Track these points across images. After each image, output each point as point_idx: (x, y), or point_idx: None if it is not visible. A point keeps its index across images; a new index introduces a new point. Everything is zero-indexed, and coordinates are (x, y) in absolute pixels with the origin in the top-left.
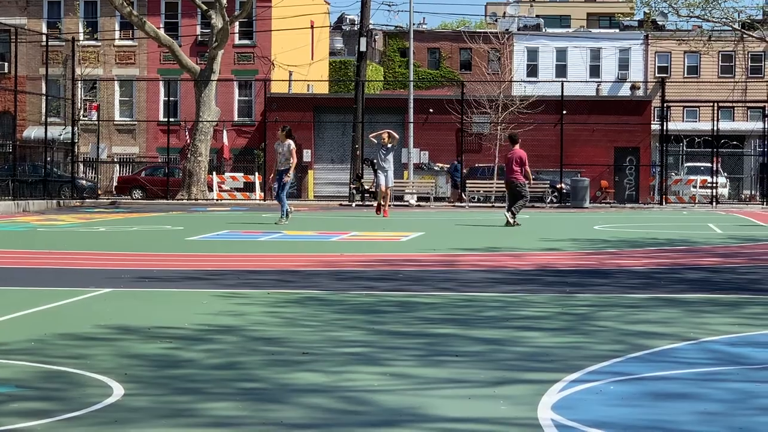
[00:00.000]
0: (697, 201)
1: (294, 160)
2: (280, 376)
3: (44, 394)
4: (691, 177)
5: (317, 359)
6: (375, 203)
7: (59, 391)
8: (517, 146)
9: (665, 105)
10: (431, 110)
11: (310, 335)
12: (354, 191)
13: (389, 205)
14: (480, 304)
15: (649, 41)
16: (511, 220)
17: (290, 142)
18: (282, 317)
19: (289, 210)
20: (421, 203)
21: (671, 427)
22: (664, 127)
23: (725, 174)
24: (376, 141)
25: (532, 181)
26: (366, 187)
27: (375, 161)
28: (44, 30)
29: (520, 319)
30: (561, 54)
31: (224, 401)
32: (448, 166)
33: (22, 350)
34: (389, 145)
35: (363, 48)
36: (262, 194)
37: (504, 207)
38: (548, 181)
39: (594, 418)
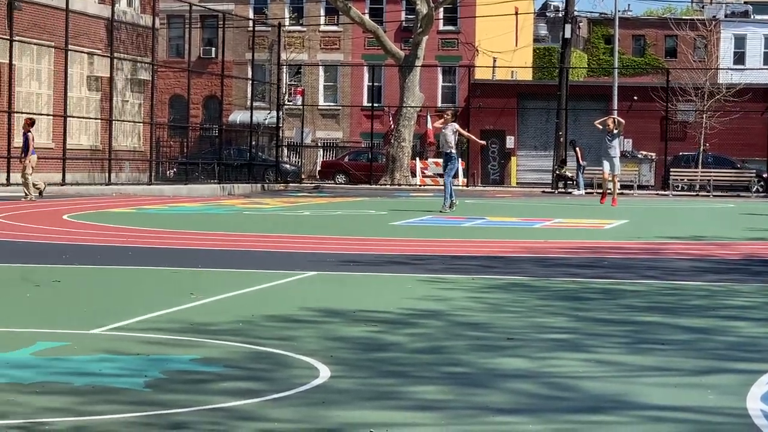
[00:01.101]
0: None
1: (467, 134)
2: (484, 360)
3: (252, 374)
4: None
5: (522, 345)
6: (600, 191)
7: (267, 371)
8: None
9: None
10: (635, 98)
11: (515, 321)
12: (557, 178)
13: (617, 194)
14: (686, 292)
15: None
16: None
17: (455, 123)
18: (486, 303)
19: (454, 200)
20: (624, 191)
21: None
22: None
23: None
24: (601, 127)
25: None
26: (569, 175)
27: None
28: (251, 15)
29: (726, 308)
30: None
31: (429, 385)
32: (653, 154)
33: (230, 331)
34: (615, 131)
35: (568, 35)
36: (465, 180)
37: (708, 195)
38: (754, 170)
39: None
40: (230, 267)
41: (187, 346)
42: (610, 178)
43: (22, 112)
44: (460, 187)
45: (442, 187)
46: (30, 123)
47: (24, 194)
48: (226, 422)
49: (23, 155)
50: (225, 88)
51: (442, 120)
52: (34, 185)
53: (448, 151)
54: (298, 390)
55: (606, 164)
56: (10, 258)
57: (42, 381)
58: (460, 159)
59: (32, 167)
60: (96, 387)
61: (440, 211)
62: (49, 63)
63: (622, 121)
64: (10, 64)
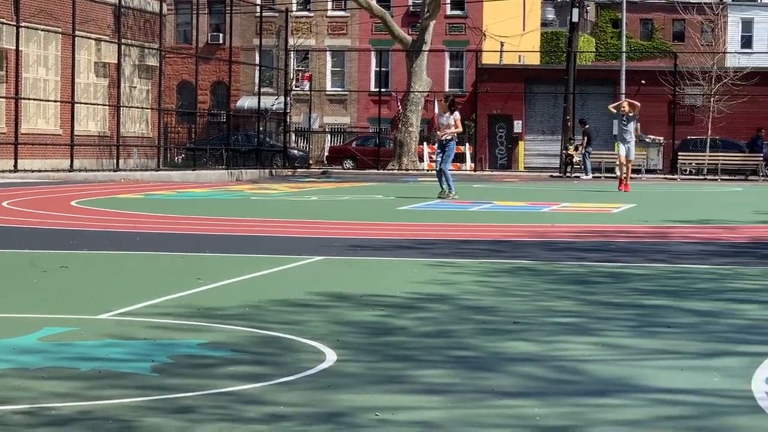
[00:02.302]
0: None
1: (458, 129)
2: (491, 344)
3: (259, 359)
4: None
5: (528, 328)
6: (617, 177)
7: (273, 355)
8: None
9: None
10: (643, 81)
11: (521, 305)
12: (566, 162)
13: (629, 179)
14: (692, 276)
15: None
16: None
17: (456, 113)
18: (493, 286)
19: (450, 188)
20: (633, 175)
21: None
22: None
23: None
24: (615, 111)
25: None
26: (573, 153)
27: (617, 134)
28: (258, 1)
29: (733, 291)
30: None
31: (436, 368)
32: (660, 138)
33: (237, 315)
34: (630, 114)
35: (575, 19)
36: (473, 165)
37: (716, 179)
38: (762, 155)
39: None
40: (237, 252)
41: (194, 330)
42: (626, 163)
43: (29, 99)
44: (467, 172)
45: (458, 173)
46: None
47: None
48: (233, 406)
49: None
50: (233, 73)
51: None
52: None
53: (444, 139)
54: (304, 374)
55: (622, 148)
56: (18, 244)
57: (48, 366)
58: (468, 144)
59: None
60: (102, 372)
61: (444, 197)
62: (56, 49)
63: (637, 104)
64: (17, 50)
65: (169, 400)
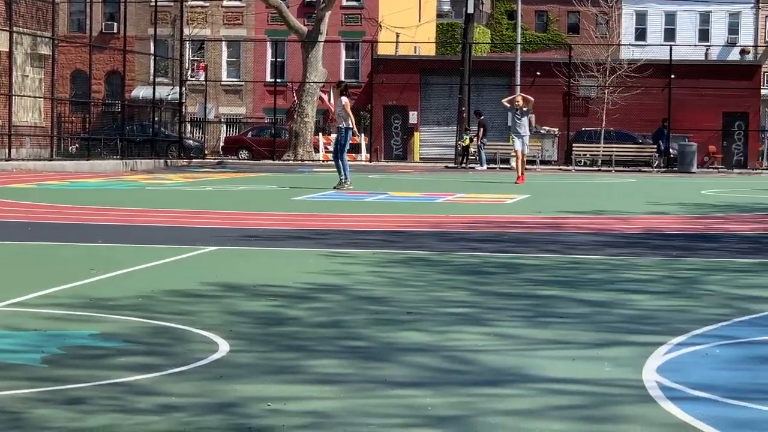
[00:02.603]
0: None
1: (351, 118)
2: (384, 335)
3: (151, 349)
4: None
5: (422, 319)
6: (513, 169)
7: (166, 346)
8: None
9: None
10: (538, 73)
11: (415, 295)
12: (461, 151)
13: (523, 171)
14: (586, 266)
15: (760, 5)
16: None
17: (343, 98)
18: (387, 277)
19: (346, 178)
20: (527, 166)
21: None
22: None
23: None
24: (509, 105)
25: None
26: (468, 144)
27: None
28: None
29: (625, 281)
30: (670, 18)
31: (329, 359)
32: (555, 130)
33: (130, 306)
34: (524, 109)
35: (471, 10)
36: (368, 155)
37: (609, 171)
38: (655, 146)
39: (699, 381)
40: (131, 242)
41: (86, 321)
42: (521, 156)
43: None
44: (363, 163)
45: (354, 164)
46: None
47: None
48: (124, 397)
49: None
50: (127, 63)
51: (333, 94)
52: None
53: (339, 125)
54: (197, 364)
55: (518, 142)
56: None
57: None
58: (363, 135)
59: None
60: None
61: (340, 187)
62: None
63: (531, 98)
64: None
65: (60, 391)
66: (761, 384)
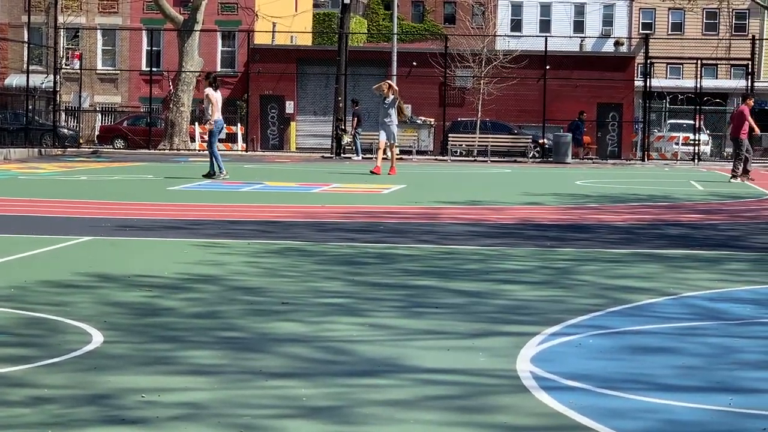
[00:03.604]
0: (679, 158)
1: (213, 111)
2: (259, 325)
3: (24, 341)
4: (674, 134)
5: (297, 309)
6: (375, 159)
7: (39, 337)
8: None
9: (649, 62)
10: (414, 63)
11: (290, 285)
12: (338, 140)
13: (395, 161)
14: (460, 256)
15: None
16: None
17: (208, 89)
18: (262, 267)
19: (220, 168)
20: (403, 156)
21: (650, 381)
22: (648, 84)
23: (708, 131)
24: (378, 93)
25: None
26: (347, 140)
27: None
28: None
29: (500, 272)
30: (545, 9)
31: (204, 350)
32: (431, 120)
33: (2, 296)
34: (391, 97)
35: (347, 0)
36: (245, 145)
37: (485, 161)
38: (530, 136)
39: (573, 371)
40: (3, 232)
41: None
42: (386, 147)
43: None
44: (239, 152)
45: (230, 153)
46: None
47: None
48: None
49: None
50: (0, 51)
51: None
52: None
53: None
54: (70, 356)
55: (382, 133)
56: None
57: None
58: (240, 125)
59: None
60: None
61: (215, 177)
62: None
63: (395, 87)
64: None
65: None
66: (633, 373)
